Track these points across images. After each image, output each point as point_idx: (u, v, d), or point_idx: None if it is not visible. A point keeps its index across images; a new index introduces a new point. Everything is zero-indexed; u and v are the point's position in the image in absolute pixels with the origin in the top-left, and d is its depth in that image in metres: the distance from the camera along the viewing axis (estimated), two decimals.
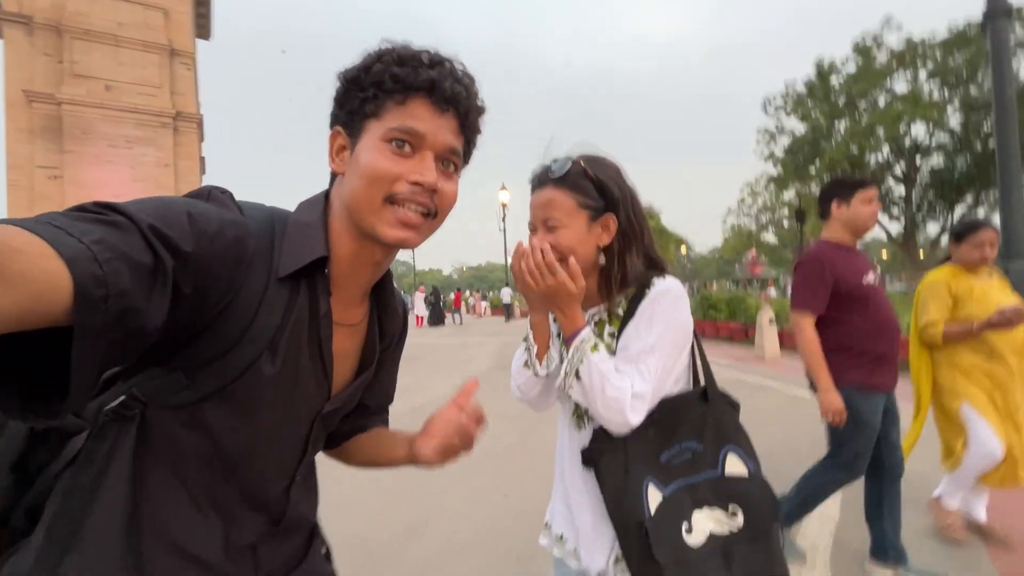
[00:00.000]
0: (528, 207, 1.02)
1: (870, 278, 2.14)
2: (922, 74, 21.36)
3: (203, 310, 0.54)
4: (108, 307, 0.41)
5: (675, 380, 0.98)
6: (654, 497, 0.90)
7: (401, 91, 0.63)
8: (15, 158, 14.93)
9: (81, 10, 15.53)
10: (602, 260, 1.00)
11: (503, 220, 22.85)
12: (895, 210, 23.57)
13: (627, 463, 0.92)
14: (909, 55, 21.10)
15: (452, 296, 24.36)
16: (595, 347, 0.93)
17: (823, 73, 23.23)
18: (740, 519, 0.91)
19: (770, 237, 39.88)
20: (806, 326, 2.13)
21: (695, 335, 1.02)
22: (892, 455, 2.20)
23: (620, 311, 0.99)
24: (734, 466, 0.96)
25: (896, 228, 23.91)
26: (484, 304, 31.16)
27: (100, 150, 16.18)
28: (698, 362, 1.04)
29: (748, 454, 0.98)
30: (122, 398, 0.59)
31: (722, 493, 0.93)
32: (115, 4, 16.17)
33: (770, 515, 0.93)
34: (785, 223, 37.50)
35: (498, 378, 7.65)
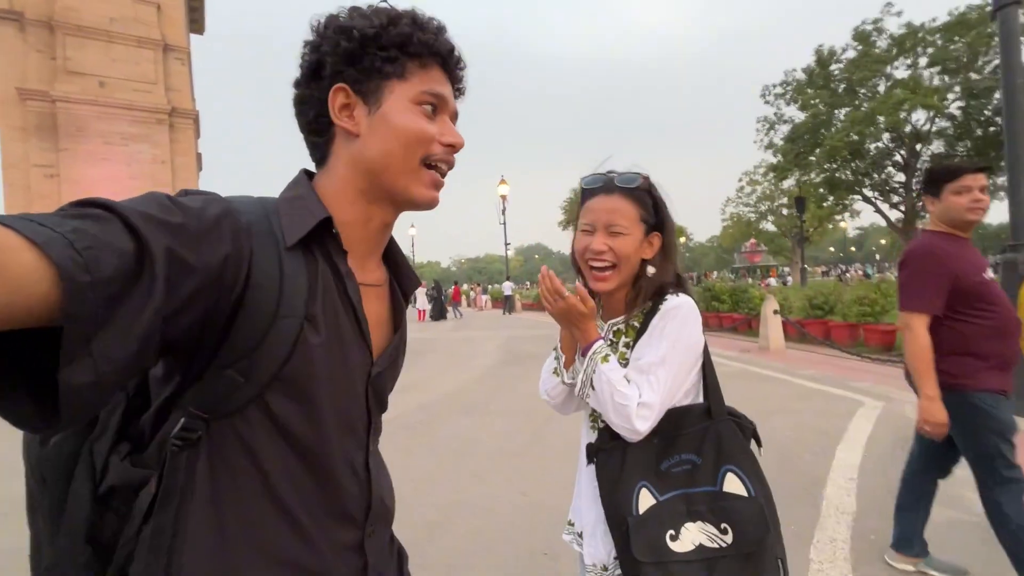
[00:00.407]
0: (587, 209, 1.07)
1: (989, 273, 1.95)
2: (922, 60, 21.26)
3: (222, 287, 0.53)
4: (96, 295, 0.39)
5: (685, 393, 1.03)
6: (646, 499, 0.96)
7: (427, 55, 0.65)
8: (10, 157, 14.80)
9: (72, 5, 15.31)
10: (651, 271, 1.06)
11: (503, 213, 22.79)
12: (895, 197, 23.57)
13: (624, 463, 0.98)
14: (909, 41, 20.98)
15: (451, 290, 24.33)
16: (605, 358, 1.00)
17: (823, 60, 23.10)
18: (729, 537, 0.94)
19: (769, 226, 39.89)
20: (918, 327, 1.90)
21: (706, 351, 1.07)
22: (952, 459, 2.15)
23: (637, 323, 1.05)
24: (732, 486, 0.98)
25: (896, 215, 23.92)
26: (485, 297, 31.15)
27: (95, 147, 16.05)
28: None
29: (751, 476, 0.99)
30: (182, 421, 0.56)
31: (716, 510, 0.96)
32: None
33: (759, 539, 0.95)
34: (784, 211, 37.48)
35: (506, 373, 7.72)
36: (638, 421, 0.94)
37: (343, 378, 0.64)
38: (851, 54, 22.45)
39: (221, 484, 0.58)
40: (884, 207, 24.04)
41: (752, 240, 43.40)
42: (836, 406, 4.86)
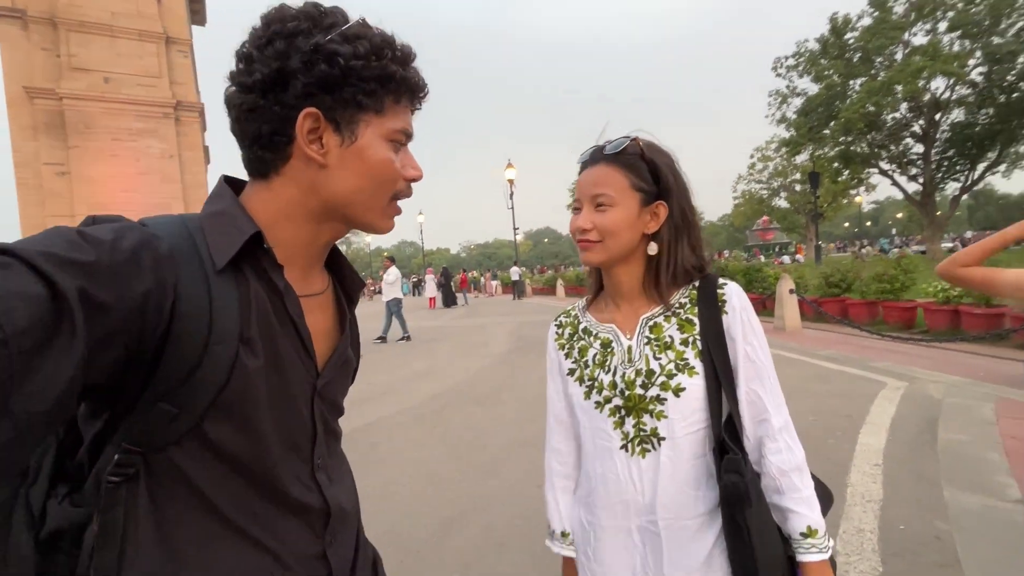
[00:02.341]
0: (577, 185, 0.94)
1: None
2: (942, 25, 20.46)
3: (144, 323, 0.50)
4: (11, 350, 0.37)
5: None
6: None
7: (404, 93, 0.64)
8: (21, 156, 14.91)
9: (74, 1, 15.25)
10: (652, 250, 0.91)
11: (510, 197, 22.60)
12: (913, 169, 22.94)
13: (758, 488, 0.84)
14: (928, 5, 20.17)
15: (458, 277, 24.37)
16: (812, 533, 0.83)
17: (838, 28, 22.35)
18: None
19: (782, 202, 39.16)
20: None
21: None
22: None
23: (687, 314, 0.90)
24: None
25: (914, 187, 23.29)
26: (495, 283, 31.14)
27: (104, 144, 16.11)
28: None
29: None
30: (116, 457, 0.54)
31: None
32: None
33: (827, 500, 0.93)
34: (798, 187, 36.71)
35: (518, 361, 7.68)
36: (801, 455, 0.86)
37: (283, 398, 0.62)
38: (867, 21, 21.67)
39: (168, 515, 0.56)
40: (901, 180, 23.43)
41: (765, 218, 42.68)
42: (857, 388, 4.74)
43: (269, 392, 0.60)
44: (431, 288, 20.79)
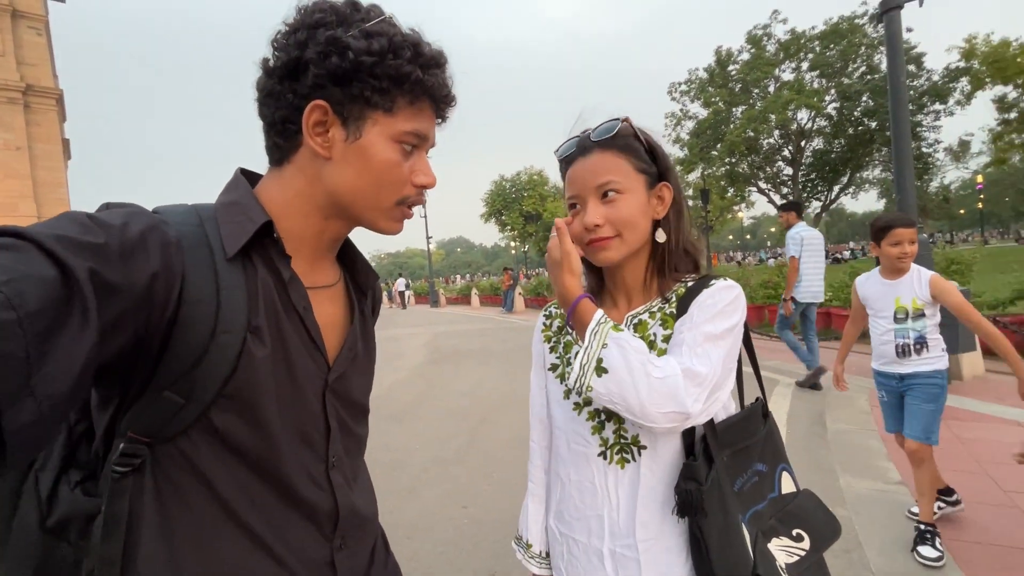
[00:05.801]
0: (568, 182, 0.84)
1: None
2: (804, 64, 23.53)
3: (152, 306, 0.50)
4: (25, 330, 0.37)
5: (727, 399, 0.86)
6: (747, 538, 0.77)
7: (421, 96, 0.63)
8: None
9: None
10: (661, 237, 0.84)
11: (423, 206, 22.21)
12: (784, 189, 25.97)
13: (725, 499, 0.75)
14: (794, 46, 23.11)
15: None
16: (617, 327, 0.74)
17: (722, 60, 24.79)
18: (807, 542, 0.84)
19: None
20: None
21: (749, 344, 0.93)
22: None
23: (671, 308, 0.82)
24: (787, 485, 0.90)
25: None
26: (408, 293, 30.56)
27: None
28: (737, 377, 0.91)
29: (792, 470, 0.93)
30: (122, 446, 0.54)
31: (785, 517, 0.85)
32: None
33: (832, 533, 0.89)
34: (690, 203, 40.17)
35: (435, 372, 7.41)
36: (688, 398, 0.68)
37: (292, 390, 0.62)
38: (745, 56, 24.29)
39: (172, 510, 0.56)
40: (776, 198, 26.41)
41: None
42: (754, 386, 5.09)
43: (277, 382, 0.59)
44: None
